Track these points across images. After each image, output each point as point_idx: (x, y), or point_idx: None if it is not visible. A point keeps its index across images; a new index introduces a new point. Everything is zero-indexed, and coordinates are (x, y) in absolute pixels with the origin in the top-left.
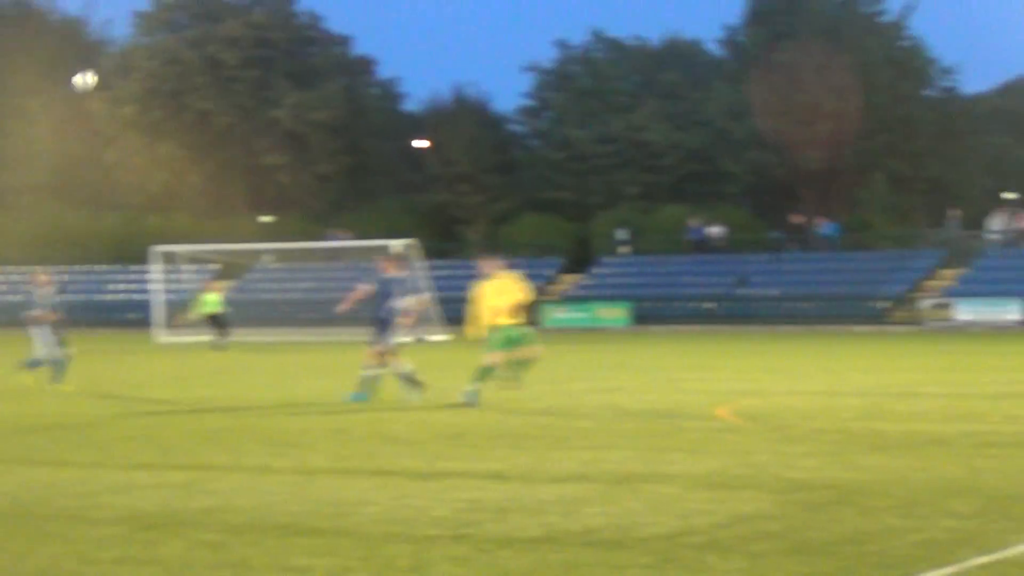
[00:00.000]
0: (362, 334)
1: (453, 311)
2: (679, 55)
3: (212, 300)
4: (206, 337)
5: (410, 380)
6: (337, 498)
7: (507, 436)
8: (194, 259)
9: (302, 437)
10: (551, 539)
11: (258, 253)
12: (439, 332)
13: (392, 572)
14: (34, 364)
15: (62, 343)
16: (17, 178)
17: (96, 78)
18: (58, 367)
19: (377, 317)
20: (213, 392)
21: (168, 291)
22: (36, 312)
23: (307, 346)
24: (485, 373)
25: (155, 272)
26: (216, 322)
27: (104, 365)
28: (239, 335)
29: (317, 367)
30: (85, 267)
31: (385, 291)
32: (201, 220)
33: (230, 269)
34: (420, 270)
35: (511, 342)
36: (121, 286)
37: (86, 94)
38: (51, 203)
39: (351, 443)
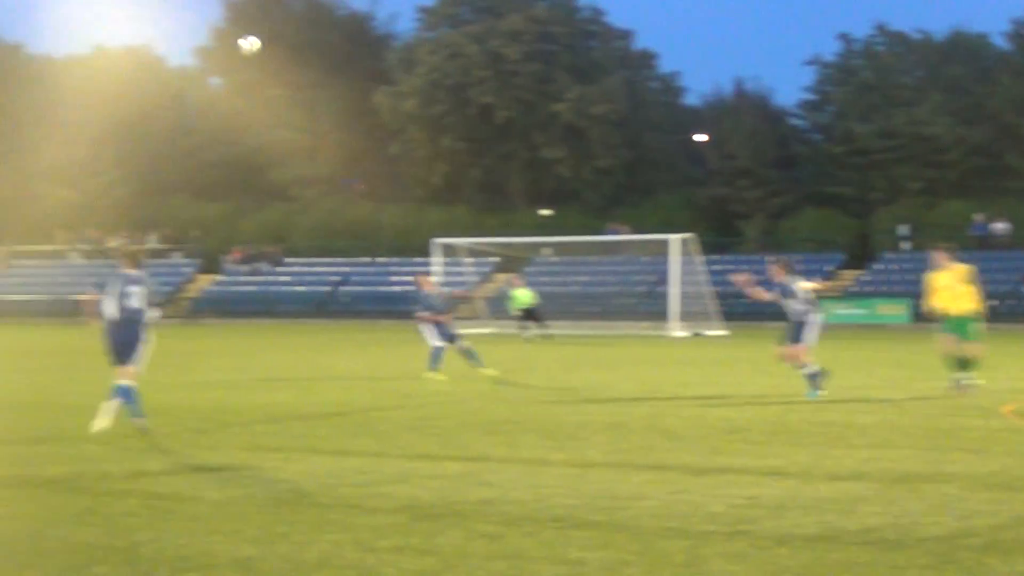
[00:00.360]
0: (639, 328)
1: (730, 307)
2: (964, 48)
3: (524, 295)
4: (487, 329)
5: (817, 376)
6: (613, 492)
7: (785, 432)
8: (473, 252)
9: (579, 430)
10: (829, 537)
11: (537, 246)
12: (717, 327)
13: (667, 567)
14: (435, 360)
15: (455, 336)
16: (302, 170)
17: (259, 43)
18: (469, 355)
19: (790, 320)
20: (489, 385)
21: (448, 284)
22: (423, 313)
23: (585, 339)
24: (967, 364)
25: (435, 264)
26: (531, 315)
27: (384, 355)
28: (516, 328)
29: (595, 360)
30: (367, 259)
31: (785, 293)
32: (481, 213)
33: (509, 262)
34: (698, 264)
35: (962, 332)
36: (402, 278)
37: (251, 55)
38: (335, 195)
39: (628, 437)
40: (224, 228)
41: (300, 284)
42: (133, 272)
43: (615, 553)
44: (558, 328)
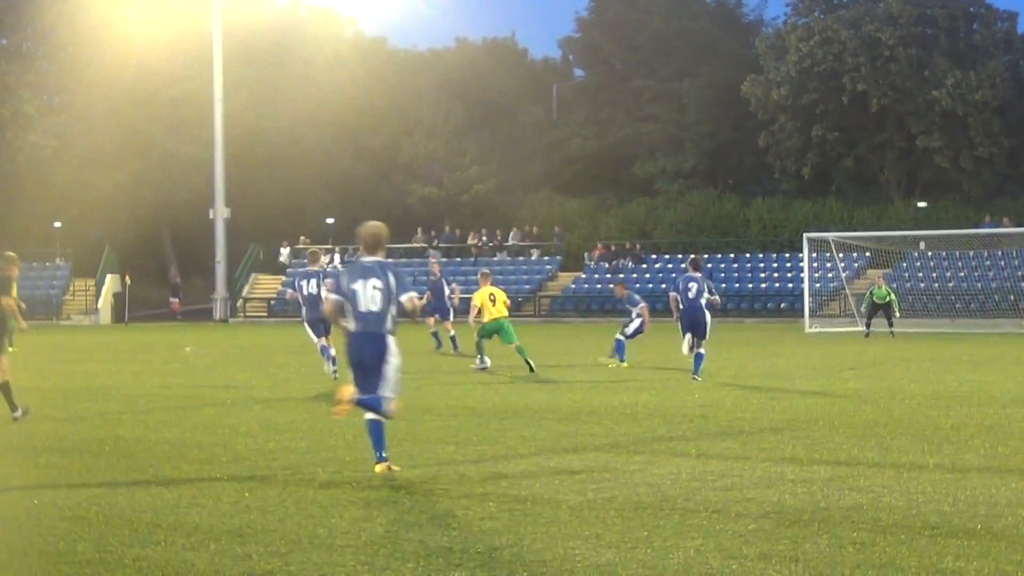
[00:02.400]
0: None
1: None
2: None
3: (882, 292)
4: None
5: None
6: (991, 498)
7: None
8: (844, 246)
9: (955, 433)
10: None
11: (911, 240)
12: None
13: None
14: None
15: None
16: (667, 163)
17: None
18: None
19: None
20: (864, 385)
21: (818, 279)
22: None
23: (964, 337)
24: None
25: (806, 260)
26: (884, 312)
27: (750, 354)
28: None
29: (973, 359)
30: (733, 255)
31: None
32: (852, 205)
33: (882, 257)
34: None
35: None
36: (770, 274)
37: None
38: (700, 190)
39: (1008, 440)
40: (586, 224)
41: (663, 282)
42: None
43: (993, 563)
44: (934, 326)
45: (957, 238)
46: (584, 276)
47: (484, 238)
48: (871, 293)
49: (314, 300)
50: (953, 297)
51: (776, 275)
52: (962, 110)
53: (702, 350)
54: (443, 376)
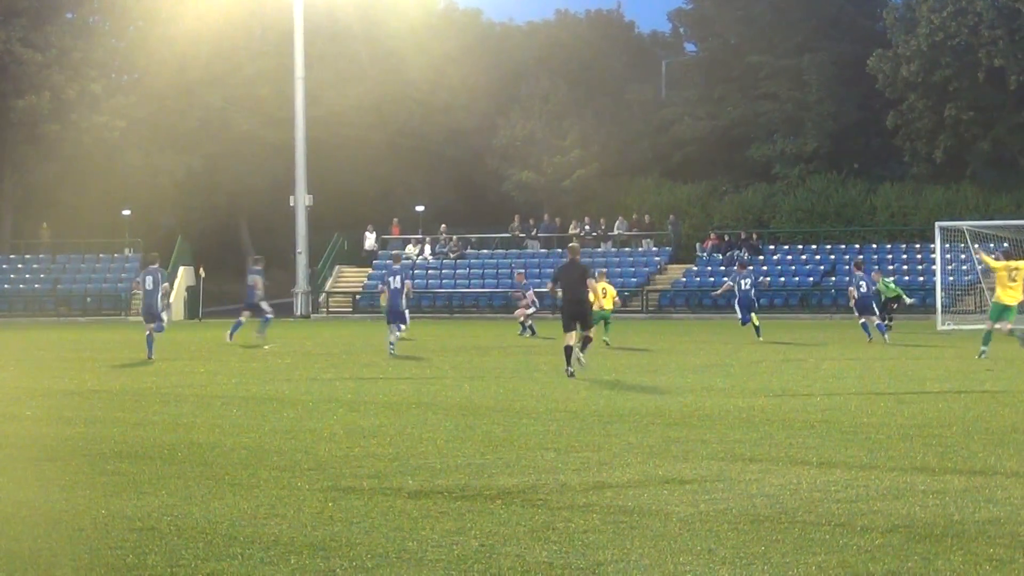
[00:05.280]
0: None
1: None
2: None
3: (888, 286)
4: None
5: None
6: None
7: None
8: (980, 236)
9: None
10: None
11: None
12: None
13: None
14: None
15: None
16: (786, 146)
17: None
18: None
19: None
20: (1003, 386)
21: (951, 272)
22: None
23: None
24: None
25: (938, 251)
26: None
27: (877, 355)
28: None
29: None
30: (858, 245)
31: None
32: (989, 192)
33: (1021, 247)
34: None
35: None
36: (899, 266)
37: None
38: (823, 174)
39: None
40: (698, 212)
41: (782, 274)
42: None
43: None
44: None
45: None
46: (696, 268)
47: (587, 227)
48: (877, 290)
49: (396, 294)
50: None
51: (905, 267)
52: None
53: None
54: (542, 376)
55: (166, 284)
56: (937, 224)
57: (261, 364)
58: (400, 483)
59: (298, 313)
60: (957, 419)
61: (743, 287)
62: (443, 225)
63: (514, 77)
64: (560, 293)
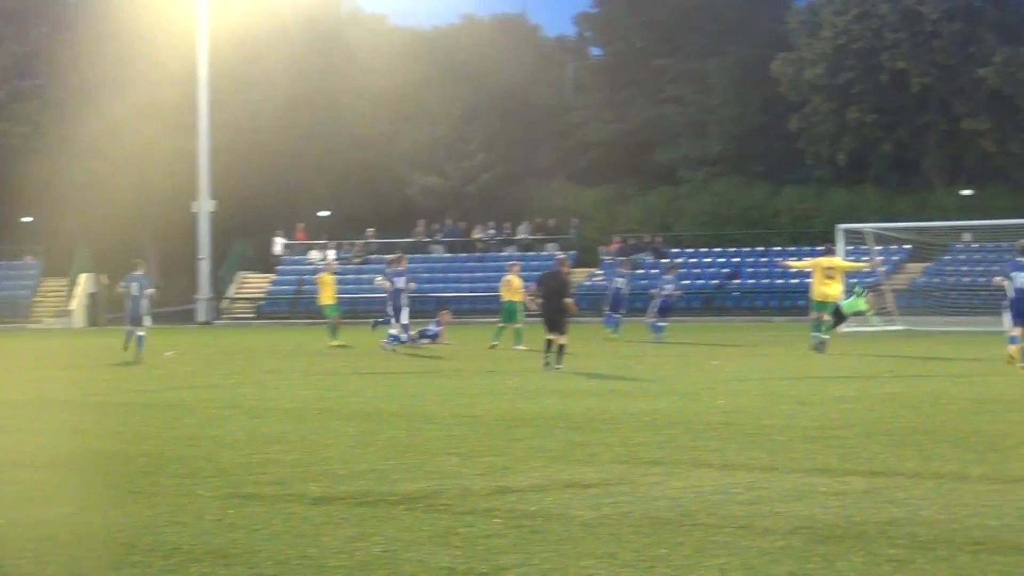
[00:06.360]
0: None
1: None
2: None
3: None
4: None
5: None
6: None
7: None
8: (882, 238)
9: (1002, 440)
10: None
11: (955, 232)
12: None
13: None
14: None
15: None
16: (690, 149)
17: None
18: None
19: None
20: (903, 388)
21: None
22: None
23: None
24: None
25: (840, 253)
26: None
27: (779, 356)
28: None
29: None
30: (762, 248)
31: None
32: (891, 194)
33: (923, 249)
34: None
35: None
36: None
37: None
38: (726, 177)
39: None
40: (602, 216)
41: (685, 278)
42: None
43: None
44: (979, 324)
45: (1005, 229)
46: (601, 272)
47: (491, 231)
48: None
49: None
50: (1000, 293)
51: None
52: (1011, 90)
53: None
54: (446, 382)
55: (151, 290)
56: (839, 226)
57: (164, 371)
58: (302, 489)
59: (201, 319)
60: (858, 421)
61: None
62: (370, 230)
63: (419, 82)
64: (539, 299)
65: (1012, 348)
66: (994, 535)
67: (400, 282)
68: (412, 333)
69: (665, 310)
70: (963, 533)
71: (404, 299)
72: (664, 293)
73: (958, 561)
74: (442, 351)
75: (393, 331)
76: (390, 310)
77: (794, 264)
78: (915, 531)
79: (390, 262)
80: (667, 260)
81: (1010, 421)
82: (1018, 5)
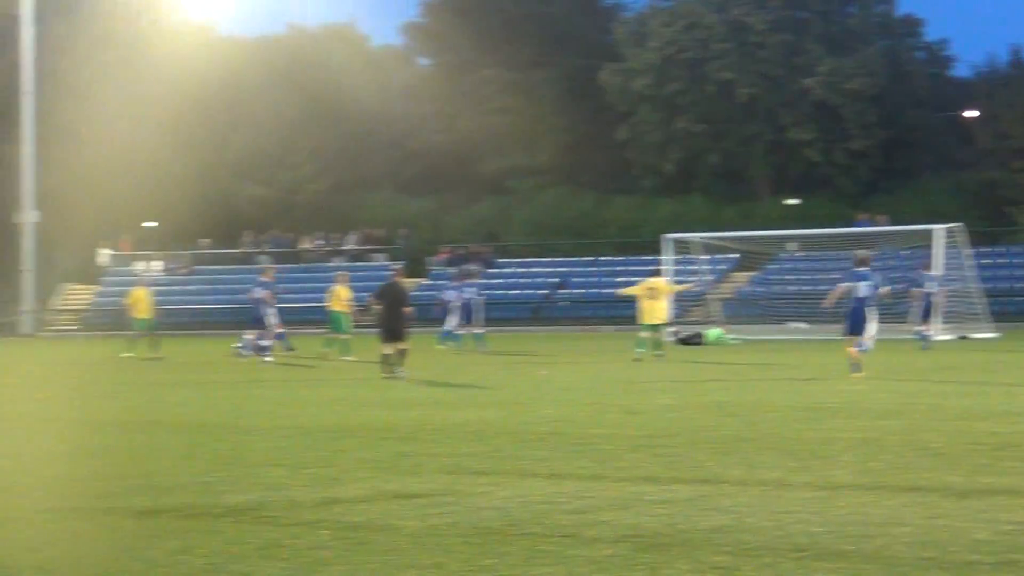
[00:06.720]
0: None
1: (1001, 306)
2: None
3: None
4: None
5: None
6: (863, 517)
7: None
8: (710, 248)
9: (824, 448)
10: None
11: (781, 240)
12: (986, 329)
13: None
14: None
15: None
16: (518, 160)
17: None
18: None
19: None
20: (728, 397)
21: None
22: None
23: (836, 344)
24: None
25: (667, 262)
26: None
27: (607, 366)
28: (750, 332)
29: (843, 368)
30: (590, 258)
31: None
32: (718, 203)
33: (750, 258)
34: (965, 258)
35: None
36: (629, 279)
37: None
38: (554, 187)
39: (880, 455)
40: (431, 226)
41: (514, 287)
42: None
43: None
44: (804, 332)
45: (830, 238)
46: (428, 282)
47: (319, 242)
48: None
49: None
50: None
51: (636, 279)
52: (835, 100)
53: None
54: (272, 393)
55: (264, 292)
56: (667, 236)
57: None
58: (126, 503)
59: (24, 332)
60: (683, 429)
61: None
62: (204, 240)
63: (246, 91)
64: (378, 309)
65: (852, 351)
66: (817, 541)
67: (258, 292)
68: (240, 345)
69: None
70: (787, 540)
71: (265, 309)
72: (449, 300)
73: (783, 567)
74: (272, 361)
75: (247, 338)
76: (266, 321)
77: (626, 291)
78: (740, 538)
79: (262, 272)
80: (456, 270)
81: (832, 428)
82: (842, 17)
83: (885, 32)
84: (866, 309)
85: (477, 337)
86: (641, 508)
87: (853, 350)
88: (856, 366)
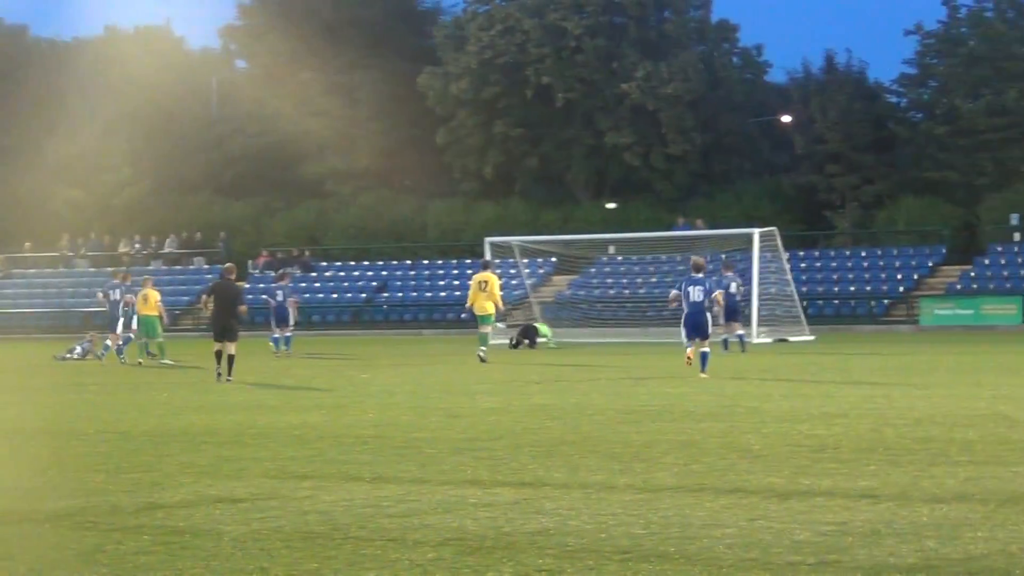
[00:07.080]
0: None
1: (818, 309)
2: None
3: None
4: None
5: None
6: (685, 519)
7: (878, 450)
8: (529, 251)
9: (647, 450)
10: (928, 567)
11: (600, 244)
12: (802, 332)
13: None
14: None
15: None
16: (337, 163)
17: None
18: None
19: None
20: (550, 400)
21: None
22: None
23: (657, 348)
24: None
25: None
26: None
27: (429, 369)
28: (570, 335)
29: (668, 371)
30: (410, 261)
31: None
32: (538, 207)
33: (569, 262)
34: (783, 261)
35: None
36: (449, 282)
37: None
38: (374, 191)
39: (701, 457)
40: (251, 229)
41: (334, 291)
42: None
43: None
44: (624, 336)
45: (649, 241)
46: (248, 286)
47: (138, 245)
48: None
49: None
50: (645, 304)
51: (456, 283)
52: (653, 105)
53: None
54: (93, 397)
55: (129, 296)
56: (487, 239)
57: None
58: None
59: None
60: (506, 432)
61: (278, 298)
62: (27, 244)
63: (61, 94)
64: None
65: (689, 351)
66: (640, 543)
67: (116, 294)
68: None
69: (281, 320)
70: (611, 542)
71: (121, 310)
72: (276, 302)
73: (606, 570)
74: (89, 366)
75: (108, 342)
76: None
77: (470, 297)
78: (564, 541)
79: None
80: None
81: (654, 431)
82: (658, 22)
83: (701, 37)
84: (704, 314)
85: (287, 340)
86: (465, 512)
87: (691, 352)
88: (704, 363)
